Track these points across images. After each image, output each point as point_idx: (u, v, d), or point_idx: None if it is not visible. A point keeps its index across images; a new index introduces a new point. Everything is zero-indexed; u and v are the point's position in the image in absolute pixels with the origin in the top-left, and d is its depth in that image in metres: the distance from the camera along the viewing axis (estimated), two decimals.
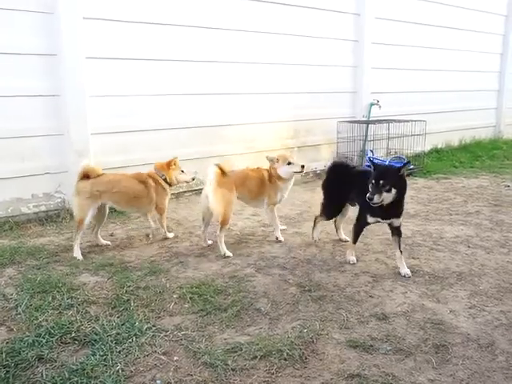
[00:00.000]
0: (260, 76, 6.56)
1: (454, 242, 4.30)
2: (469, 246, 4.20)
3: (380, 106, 7.69)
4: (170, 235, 4.50)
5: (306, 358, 2.54)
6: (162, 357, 2.57)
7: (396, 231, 3.67)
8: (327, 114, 7.32)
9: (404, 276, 3.55)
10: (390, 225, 3.68)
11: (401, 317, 2.97)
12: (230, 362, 2.49)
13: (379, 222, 3.67)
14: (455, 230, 4.54)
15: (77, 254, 3.97)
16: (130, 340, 2.69)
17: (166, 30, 5.60)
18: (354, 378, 2.37)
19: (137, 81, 5.49)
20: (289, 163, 4.28)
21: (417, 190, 6.48)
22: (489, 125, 10.93)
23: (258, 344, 2.64)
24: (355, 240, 3.84)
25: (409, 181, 6.84)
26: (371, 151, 7.60)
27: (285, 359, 2.52)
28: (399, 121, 7.57)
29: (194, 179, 4.55)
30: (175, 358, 2.56)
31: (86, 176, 4.02)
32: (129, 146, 5.47)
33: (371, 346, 2.65)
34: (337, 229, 4.39)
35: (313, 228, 4.33)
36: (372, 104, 7.73)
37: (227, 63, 6.21)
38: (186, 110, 5.94)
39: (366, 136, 7.54)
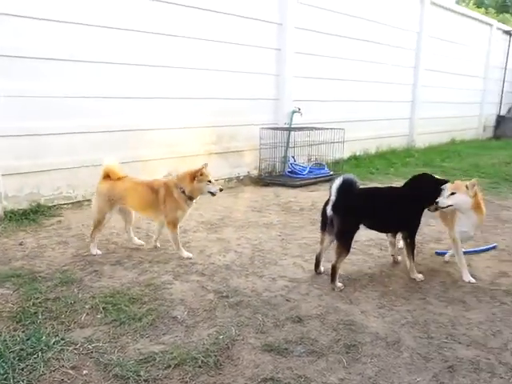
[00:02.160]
0: (183, 81, 6.49)
1: (367, 246, 4.49)
2: (381, 249, 4.40)
3: (301, 114, 7.89)
4: (186, 254, 4.04)
5: (220, 365, 2.53)
6: (70, 371, 2.45)
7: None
8: (250, 121, 7.39)
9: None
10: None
11: (315, 319, 3.05)
12: (142, 373, 2.42)
13: None
14: (369, 233, 4.71)
15: (94, 250, 4.10)
16: (35, 355, 2.54)
17: (86, 30, 5.38)
18: (268, 382, 2.39)
19: (50, 80, 5.22)
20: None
21: None
22: (403, 134, 11.61)
23: (172, 353, 2.60)
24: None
25: (327, 186, 7.13)
26: (293, 157, 7.82)
27: (199, 367, 2.50)
28: (319, 128, 7.82)
29: (221, 190, 4.08)
30: (84, 372, 2.45)
31: (108, 176, 4.10)
32: (40, 150, 5.18)
33: (286, 349, 2.69)
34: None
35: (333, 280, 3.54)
36: (294, 111, 7.92)
37: (150, 67, 6.09)
38: (104, 113, 5.72)
39: (288, 143, 7.71)
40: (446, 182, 3.79)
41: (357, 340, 2.81)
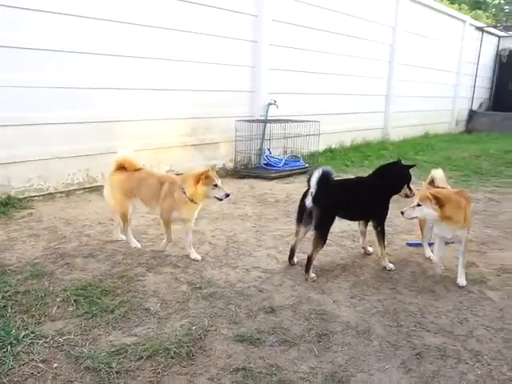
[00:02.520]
0: (158, 72, 6.42)
1: (340, 237, 4.55)
2: (354, 240, 4.46)
3: (277, 106, 7.90)
4: (161, 246, 3.99)
5: (193, 355, 2.54)
6: (40, 365, 2.43)
7: None
8: (226, 113, 7.37)
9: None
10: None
11: (288, 309, 3.08)
12: (114, 365, 2.42)
13: None
14: (342, 225, 4.76)
15: (135, 244, 4.06)
16: (4, 350, 2.50)
17: (59, 19, 5.25)
18: (239, 372, 2.42)
19: (21, 70, 5.09)
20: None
21: None
22: (378, 127, 11.74)
23: (144, 344, 2.60)
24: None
25: (302, 178, 7.18)
26: (268, 150, 7.84)
27: (172, 357, 2.51)
28: (295, 121, 7.84)
29: (228, 196, 3.72)
30: (55, 365, 2.43)
31: (122, 167, 3.97)
32: (10, 141, 5.07)
33: (258, 339, 2.72)
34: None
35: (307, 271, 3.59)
36: (269, 104, 7.92)
37: (125, 57, 6.00)
38: (77, 104, 5.62)
39: (264, 135, 7.72)
40: (411, 166, 3.89)
41: (328, 329, 2.85)
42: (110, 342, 2.64)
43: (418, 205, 3.44)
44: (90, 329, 2.76)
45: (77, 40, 5.48)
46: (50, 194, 5.53)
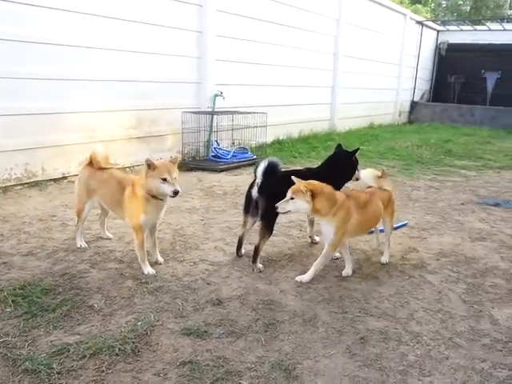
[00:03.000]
0: (101, 62, 6.21)
1: (287, 227, 4.59)
2: (300, 230, 4.52)
3: (224, 98, 7.85)
4: (147, 271, 3.38)
5: (138, 351, 2.50)
6: None
7: None
8: (172, 104, 7.25)
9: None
10: None
11: (235, 300, 3.08)
12: (55, 366, 2.34)
13: None
14: (290, 215, 4.83)
15: (80, 242, 3.88)
16: None
17: None
18: (186, 365, 2.40)
19: None
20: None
21: None
22: (324, 118, 11.93)
23: (87, 343, 2.53)
24: None
25: (251, 170, 7.18)
26: (216, 142, 7.79)
27: (116, 355, 2.45)
28: (242, 112, 7.85)
29: (176, 193, 3.14)
30: None
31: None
32: None
33: (205, 331, 2.70)
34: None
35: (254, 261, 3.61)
36: (216, 95, 7.86)
37: (67, 46, 5.76)
38: (16, 95, 5.35)
39: (211, 127, 7.66)
40: (356, 151, 4.05)
41: (275, 319, 2.88)
42: (51, 342, 2.55)
43: (291, 198, 3.26)
44: (29, 329, 2.65)
45: (13, 27, 5.21)
46: None
